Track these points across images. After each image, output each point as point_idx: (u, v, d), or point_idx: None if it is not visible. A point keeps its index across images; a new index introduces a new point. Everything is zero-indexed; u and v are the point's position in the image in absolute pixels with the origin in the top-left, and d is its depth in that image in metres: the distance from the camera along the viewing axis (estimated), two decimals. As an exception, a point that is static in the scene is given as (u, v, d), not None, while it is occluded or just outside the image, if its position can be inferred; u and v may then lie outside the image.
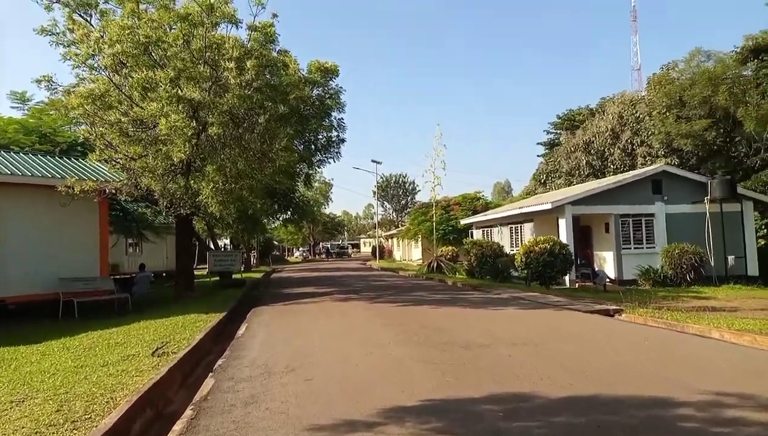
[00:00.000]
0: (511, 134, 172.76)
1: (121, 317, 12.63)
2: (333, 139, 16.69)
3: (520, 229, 25.55)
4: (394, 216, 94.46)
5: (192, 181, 12.47)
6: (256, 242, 42.93)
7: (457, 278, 23.29)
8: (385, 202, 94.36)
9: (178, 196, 13.92)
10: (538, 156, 58.03)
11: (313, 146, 16.73)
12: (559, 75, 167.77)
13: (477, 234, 31.17)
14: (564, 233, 20.89)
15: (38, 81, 12.59)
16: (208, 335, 9.38)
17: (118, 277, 22.96)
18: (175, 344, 8.36)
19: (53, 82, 12.89)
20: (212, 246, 25.11)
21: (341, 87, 15.96)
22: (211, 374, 6.27)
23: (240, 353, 7.44)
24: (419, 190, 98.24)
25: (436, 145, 27.94)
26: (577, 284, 20.71)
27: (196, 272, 32.49)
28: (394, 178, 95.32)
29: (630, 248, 21.57)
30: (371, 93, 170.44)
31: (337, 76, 16.29)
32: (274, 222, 20.54)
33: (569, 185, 41.69)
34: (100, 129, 12.17)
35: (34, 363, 7.34)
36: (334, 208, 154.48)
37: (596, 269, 19.40)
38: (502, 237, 27.33)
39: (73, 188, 12.48)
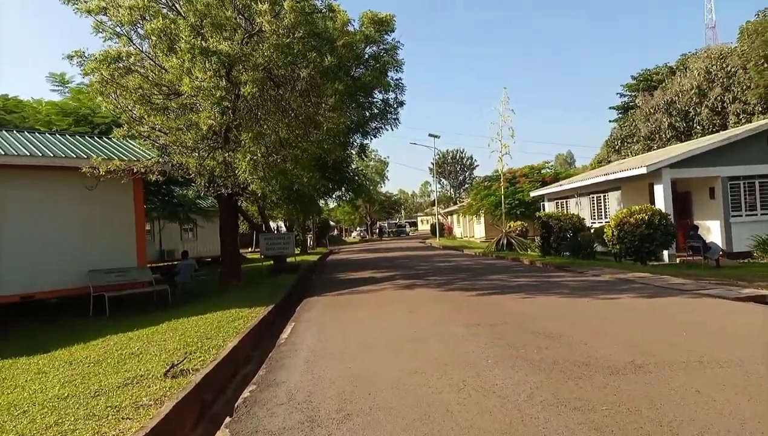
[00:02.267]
0: (571, 105, 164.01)
1: (159, 311, 11.13)
2: (390, 102, 14.47)
3: (604, 199, 22.55)
4: (452, 193, 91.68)
5: (229, 156, 10.61)
6: (312, 224, 41.56)
7: (531, 256, 20.74)
8: (443, 179, 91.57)
9: (216, 174, 12.18)
10: (610, 121, 53.66)
11: (367, 112, 14.58)
12: (624, 38, 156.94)
13: (549, 207, 28.29)
14: (661, 201, 17.91)
15: (70, 57, 10.95)
16: (245, 340, 7.50)
17: (162, 265, 21.95)
18: (200, 355, 6.52)
19: (85, 58, 11.28)
20: (265, 229, 23.58)
21: (398, 41, 13.71)
22: (228, 421, 4.26)
23: (276, 376, 5.44)
24: (477, 166, 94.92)
25: (502, 110, 25.15)
26: (678, 259, 17.77)
27: (249, 256, 31.51)
28: (451, 154, 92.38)
29: (741, 216, 18.34)
30: (422, 61, 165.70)
31: (393, 30, 14.00)
32: (326, 200, 18.55)
33: (648, 150, 37.83)
34: (122, 99, 10.44)
35: (16, 389, 5.65)
36: (389, 186, 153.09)
37: (707, 241, 16.36)
38: (580, 209, 24.39)
39: (98, 169, 10.92)
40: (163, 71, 10.11)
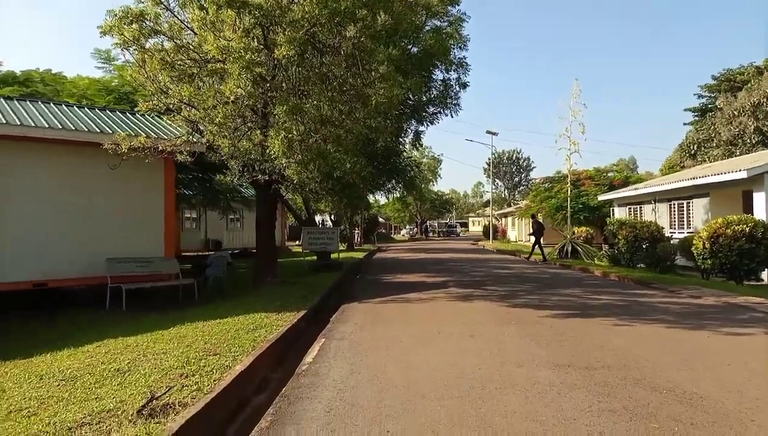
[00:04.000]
0: (635, 107, 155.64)
1: (180, 309, 9.84)
2: (451, 82, 12.57)
3: (688, 206, 19.86)
4: (506, 194, 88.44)
5: (265, 136, 9.11)
6: (360, 219, 40.11)
7: (601, 266, 18.42)
8: (497, 180, 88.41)
9: (252, 158, 10.73)
10: (685, 124, 49.55)
11: (424, 96, 12.77)
12: (696, 40, 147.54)
13: (619, 213, 25.65)
14: (763, 211, 15.27)
15: (103, 32, 9.67)
16: (261, 359, 5.93)
17: (194, 255, 20.92)
18: (197, 380, 5.00)
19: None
20: (308, 222, 22.21)
21: (464, 13, 11.79)
22: None
23: (284, 431, 3.79)
24: (534, 168, 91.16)
25: (573, 104, 22.75)
26: (781, 281, 15.13)
27: (295, 249, 30.32)
28: (506, 154, 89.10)
29: None
30: (477, 56, 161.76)
31: (458, 2, 12.17)
32: (375, 194, 16.92)
33: (730, 156, 34.37)
34: (147, 66, 9.10)
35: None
36: (441, 185, 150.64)
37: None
38: (657, 216, 21.73)
39: (121, 146, 9.67)
40: (190, 33, 8.69)
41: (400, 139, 13.62)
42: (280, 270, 17.16)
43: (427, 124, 13.33)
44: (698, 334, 6.68)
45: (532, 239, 25.07)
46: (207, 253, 21.97)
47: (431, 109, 13.01)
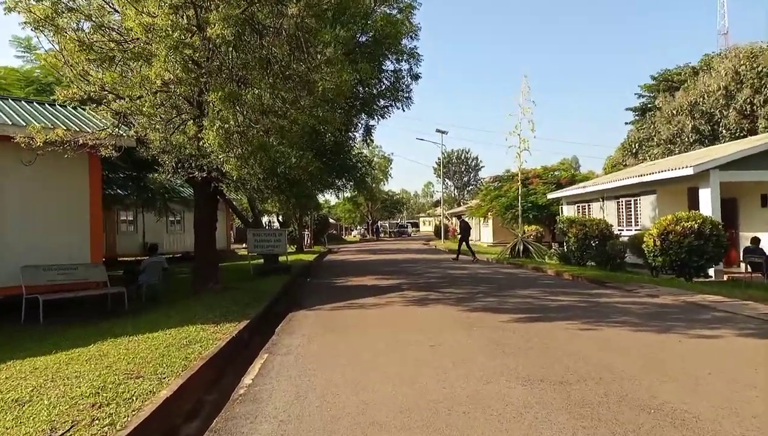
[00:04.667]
0: (574, 108, 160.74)
1: (107, 320, 8.80)
2: (403, 73, 11.95)
3: (636, 203, 20.07)
4: (456, 194, 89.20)
5: (200, 128, 8.20)
6: (310, 220, 39.08)
7: (552, 265, 18.32)
8: (447, 180, 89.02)
9: (186, 153, 9.76)
10: (626, 123, 51.12)
11: (375, 89, 12.10)
12: (632, 43, 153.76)
13: (568, 211, 25.84)
14: (708, 208, 15.48)
15: (8, 8, 8.34)
16: (190, 382, 5.09)
17: (133, 259, 19.54)
18: (111, 412, 4.17)
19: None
20: (254, 223, 21.13)
21: (415, 1, 11.17)
22: None
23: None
24: (483, 167, 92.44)
25: (522, 101, 22.69)
26: (726, 276, 15.40)
27: (242, 252, 29.02)
28: (456, 154, 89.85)
29: (799, 227, 15.95)
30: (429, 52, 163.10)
31: (408, -16, 11.59)
32: (325, 193, 16.08)
33: (669, 154, 35.54)
34: (64, 49, 7.99)
35: None
36: (391, 185, 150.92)
37: (769, 255, 13.99)
38: (606, 214, 21.93)
39: (35, 140, 8.51)
40: (111, 10, 7.69)
41: (350, 134, 12.91)
42: (224, 275, 16.09)
43: (378, 118, 12.71)
44: (668, 338, 6.31)
45: (487, 238, 25.02)
46: (143, 258, 20.54)
47: (382, 103, 12.36)
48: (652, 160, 34.53)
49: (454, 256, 24.12)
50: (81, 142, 9.01)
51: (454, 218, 59.68)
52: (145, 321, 8.36)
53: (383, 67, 11.44)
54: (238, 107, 7.37)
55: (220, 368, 6.00)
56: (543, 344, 5.95)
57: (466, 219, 28.24)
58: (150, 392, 4.73)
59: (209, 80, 7.46)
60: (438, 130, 45.04)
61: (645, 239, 15.07)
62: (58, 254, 10.13)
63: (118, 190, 16.56)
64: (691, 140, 36.89)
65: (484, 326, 7.21)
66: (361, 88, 11.89)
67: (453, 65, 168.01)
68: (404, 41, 11.68)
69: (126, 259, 23.43)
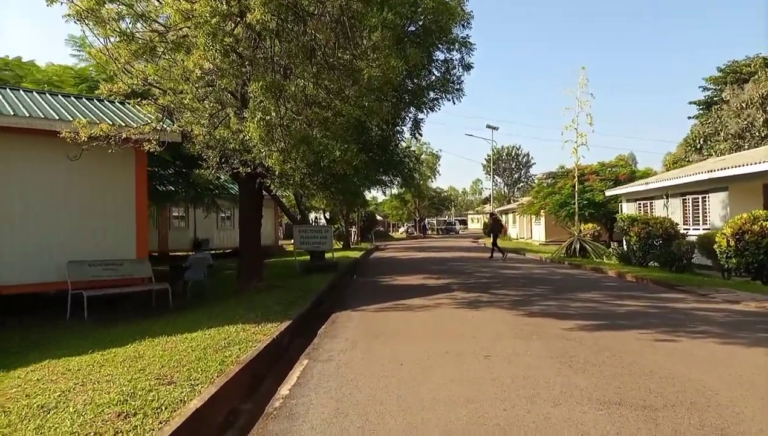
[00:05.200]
0: (629, 105, 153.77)
1: (149, 318, 8.68)
2: (454, 63, 11.27)
3: (704, 201, 18.63)
4: (506, 191, 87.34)
5: (240, 119, 7.88)
6: (357, 217, 38.87)
7: (612, 265, 17.23)
8: (496, 177, 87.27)
9: (230, 147, 9.52)
10: (689, 118, 48.32)
11: (423, 81, 11.50)
12: (691, 39, 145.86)
13: (628, 208, 24.42)
14: (789, 206, 14.07)
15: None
16: (224, 391, 4.72)
17: (184, 255, 19.69)
18: (133, 425, 3.85)
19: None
20: (301, 219, 20.97)
21: (467, -14, 10.51)
22: None
23: None
24: (534, 164, 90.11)
25: (579, 94, 21.54)
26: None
27: (289, 248, 29.04)
28: (506, 151, 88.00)
29: None
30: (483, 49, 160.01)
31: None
32: (369, 187, 15.51)
33: (738, 150, 33.28)
34: (108, 39, 7.83)
35: None
36: (439, 182, 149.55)
37: None
38: (670, 212, 20.53)
39: (79, 135, 8.42)
40: (152, -1, 7.46)
41: (398, 128, 12.39)
42: (270, 271, 15.95)
43: (427, 112, 12.10)
44: (763, 354, 5.47)
45: (539, 236, 24.06)
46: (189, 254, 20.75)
47: (432, 95, 11.74)
48: (717, 156, 32.42)
49: (489, 255, 23.20)
50: (125, 136, 8.88)
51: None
52: (186, 320, 8.14)
53: (433, 57, 10.84)
54: (280, 99, 6.97)
55: (257, 373, 5.62)
56: (616, 358, 5.24)
57: (498, 216, 27.24)
58: (180, 400, 4.38)
59: (251, 70, 7.10)
60: (488, 126, 43.96)
61: (717, 239, 13.90)
62: (104, 250, 10.12)
63: (170, 187, 16.62)
64: (762, 135, 34.52)
65: (545, 334, 6.53)
66: (409, 81, 11.35)
67: (491, 62, 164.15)
68: (455, 30, 11.06)
69: (177, 254, 23.82)
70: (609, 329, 6.74)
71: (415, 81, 11.50)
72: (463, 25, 11.07)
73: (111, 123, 9.16)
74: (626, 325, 7.03)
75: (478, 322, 7.58)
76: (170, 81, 8.30)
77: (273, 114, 6.82)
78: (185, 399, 4.42)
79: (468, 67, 11.36)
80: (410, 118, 12.31)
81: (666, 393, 4.12)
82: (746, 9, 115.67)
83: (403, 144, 14.99)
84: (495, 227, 24.36)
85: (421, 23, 10.25)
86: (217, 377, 5.06)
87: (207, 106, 9.04)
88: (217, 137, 9.28)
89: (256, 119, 6.72)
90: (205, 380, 4.94)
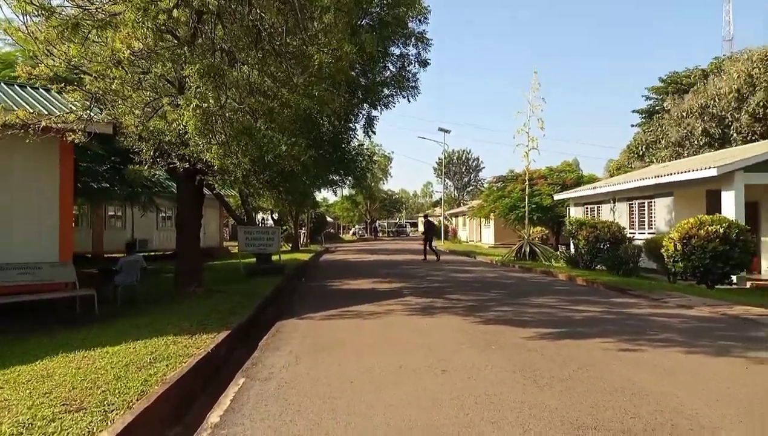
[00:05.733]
0: (572, 110, 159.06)
1: (71, 329, 7.73)
2: (410, 59, 10.81)
3: (650, 206, 19.04)
4: (456, 194, 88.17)
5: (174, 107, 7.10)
6: (307, 218, 37.99)
7: (561, 269, 17.28)
8: (446, 180, 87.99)
9: (166, 139, 8.71)
10: (632, 126, 50.14)
11: (378, 77, 10.99)
12: (635, 47, 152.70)
13: (575, 212, 24.82)
14: (731, 211, 14.48)
15: None
16: (142, 418, 4.03)
17: (119, 256, 18.42)
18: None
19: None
20: (247, 220, 20.05)
21: (422, -22, 10.08)
22: None
23: None
24: (483, 168, 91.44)
25: (531, 98, 21.71)
26: (748, 284, 14.48)
27: (233, 250, 27.90)
28: (456, 154, 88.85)
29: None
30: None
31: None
32: (320, 186, 14.74)
33: (677, 157, 34.70)
34: (28, 15, 6.90)
35: None
36: (390, 184, 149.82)
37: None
38: (617, 216, 20.91)
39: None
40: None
41: (350, 125, 11.82)
42: (213, 275, 15.04)
43: (382, 109, 11.60)
44: (730, 364, 5.24)
45: (488, 239, 24.10)
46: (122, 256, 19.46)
47: (386, 92, 11.28)
48: (658, 163, 33.61)
49: (425, 258, 23.03)
50: (44, 125, 7.91)
51: (453, 219, 58.64)
52: (111, 330, 7.29)
53: (389, 51, 10.37)
54: (220, 85, 6.29)
55: (186, 394, 4.93)
56: (583, 372, 4.87)
57: (431, 219, 27.68)
58: (88, 432, 3.69)
59: (186, 52, 6.37)
60: (441, 129, 43.98)
61: (664, 243, 14.12)
62: (21, 251, 9.06)
63: (104, 184, 15.41)
64: (701, 143, 36.03)
65: (504, 343, 6.13)
66: (362, 78, 10.83)
67: (444, 63, 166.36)
68: (411, 24, 10.64)
69: (113, 255, 22.34)
70: (570, 338, 6.42)
71: (369, 76, 11.00)
72: (420, 20, 10.68)
73: (30, 110, 8.18)
74: (586, 333, 6.74)
75: (433, 330, 7.12)
76: (98, 64, 7.44)
77: (211, 101, 6.14)
78: (94, 431, 3.73)
79: (425, 63, 10.96)
80: (363, 115, 11.81)
81: (642, 414, 3.76)
82: (689, 19, 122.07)
83: (356, 142, 14.46)
84: (429, 230, 24.55)
85: (377, 12, 9.74)
86: (137, 400, 4.36)
87: (141, 94, 8.20)
88: (151, 129, 8.46)
89: (191, 107, 6.02)
90: (122, 404, 4.24)
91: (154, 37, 6.00)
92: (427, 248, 23.16)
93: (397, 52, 10.85)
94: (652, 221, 18.92)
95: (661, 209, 18.38)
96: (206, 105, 6.15)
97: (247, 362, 5.68)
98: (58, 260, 9.57)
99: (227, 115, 6.59)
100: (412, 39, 10.60)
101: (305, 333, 7.13)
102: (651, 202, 19.00)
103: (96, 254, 22.57)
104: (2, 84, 10.24)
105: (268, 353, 6.06)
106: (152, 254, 25.29)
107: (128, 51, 6.00)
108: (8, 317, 8.21)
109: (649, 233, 18.45)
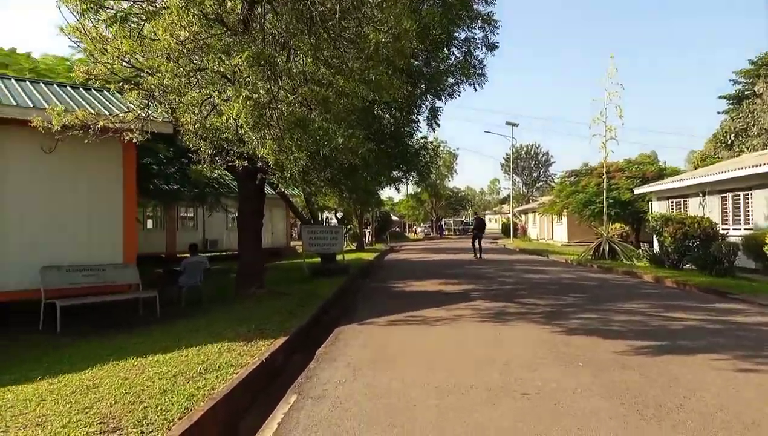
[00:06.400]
0: (648, 101, 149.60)
1: (132, 331, 7.61)
2: (477, 42, 9.95)
3: (746, 198, 17.09)
4: (525, 190, 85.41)
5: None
6: (372, 217, 37.71)
7: (645, 269, 15.81)
8: (515, 176, 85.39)
9: (223, 137, 8.41)
10: (718, 113, 46.38)
11: (441, 65, 10.22)
12: (715, 38, 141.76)
13: (659, 207, 22.89)
14: None
15: None
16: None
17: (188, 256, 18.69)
18: None
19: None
20: (312, 220, 19.87)
21: (489, -46, 9.22)
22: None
23: None
24: (554, 162, 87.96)
25: (608, 85, 20.13)
26: None
27: (299, 250, 28.00)
28: (525, 149, 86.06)
29: None
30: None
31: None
32: (382, 182, 14.18)
33: (773, 146, 31.53)
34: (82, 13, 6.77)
35: None
36: (456, 181, 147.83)
37: None
38: (707, 211, 19.00)
39: (52, 124, 7.40)
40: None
41: (413, 117, 11.16)
42: (276, 275, 14.87)
43: (446, 99, 10.83)
44: None
45: (561, 236, 22.76)
46: (185, 256, 19.79)
47: (450, 80, 10.49)
48: (750, 152, 30.68)
49: (476, 256, 22.70)
50: (102, 125, 7.81)
51: (522, 216, 56.62)
52: (168, 334, 7.06)
53: (453, 35, 9.59)
54: (270, 73, 5.82)
55: (233, 411, 4.48)
56: (696, 400, 3.98)
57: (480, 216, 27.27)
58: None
59: (236, 41, 5.95)
60: (508, 123, 42.41)
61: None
62: (86, 253, 9.08)
63: (174, 185, 15.61)
64: (799, 130, 32.73)
65: (593, 359, 5.28)
66: (425, 68, 10.13)
67: (525, 51, 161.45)
68: (477, 5, 9.83)
69: (185, 255, 22.90)
70: (672, 353, 5.45)
71: (433, 64, 10.28)
72: (486, 1, 9.84)
73: (91, 110, 8.14)
74: (690, 347, 5.74)
75: (508, 341, 6.34)
76: (151, 59, 7.21)
77: (262, 92, 5.68)
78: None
79: (492, 47, 10.08)
80: (426, 106, 11.08)
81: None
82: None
83: (419, 134, 13.73)
84: (479, 227, 24.25)
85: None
86: (179, 419, 3.94)
87: (197, 89, 7.93)
88: (208, 126, 8.17)
89: (241, 98, 5.58)
90: (162, 424, 3.84)
91: (200, 25, 5.61)
92: (478, 244, 23.18)
93: (462, 36, 10.07)
94: (749, 215, 16.97)
95: (761, 202, 16.42)
96: (257, 96, 5.70)
97: (301, 375, 5.17)
98: (122, 262, 9.55)
99: (280, 106, 6.12)
100: (479, 21, 9.77)
101: (366, 341, 6.56)
102: (748, 194, 17.03)
103: (170, 254, 23.18)
104: (65, 87, 10.38)
105: (325, 364, 5.52)
106: (222, 253, 25.77)
107: (174, 41, 5.64)
108: (74, 319, 8.21)
109: (745, 229, 16.57)
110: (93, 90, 10.50)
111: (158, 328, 7.68)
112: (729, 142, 39.48)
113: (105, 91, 10.51)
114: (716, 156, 38.82)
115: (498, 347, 6.04)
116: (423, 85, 10.73)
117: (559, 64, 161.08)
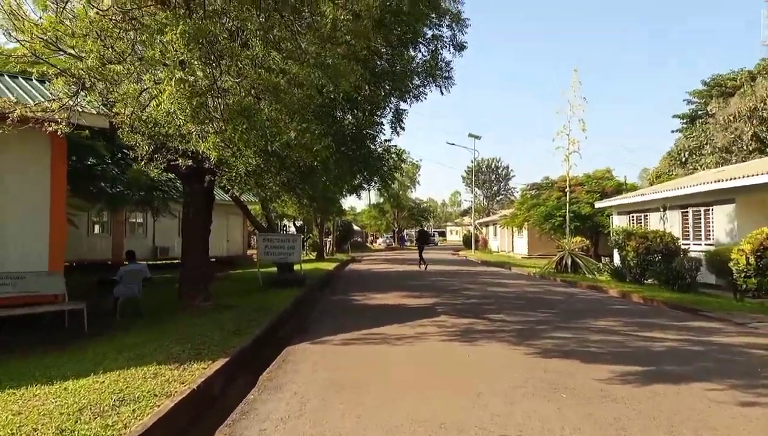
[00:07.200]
0: (605, 122, 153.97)
1: (49, 350, 6.58)
2: (444, 41, 9.32)
3: (706, 214, 17.10)
4: (485, 203, 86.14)
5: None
6: (333, 226, 36.79)
7: (608, 283, 15.56)
8: (476, 189, 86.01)
9: (162, 132, 7.48)
10: (673, 131, 47.77)
11: (407, 66, 9.59)
12: (669, 54, 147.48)
13: (619, 221, 22.90)
14: (814, 220, 12.59)
15: None
16: None
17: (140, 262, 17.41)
18: None
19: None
20: (268, 228, 18.86)
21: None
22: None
23: None
24: (513, 176, 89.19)
25: (572, 97, 19.99)
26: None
27: (255, 259, 26.84)
28: (486, 163, 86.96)
29: None
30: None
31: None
32: (342, 188, 13.31)
33: (724, 164, 32.36)
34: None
35: None
36: (418, 192, 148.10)
37: None
38: (668, 226, 18.99)
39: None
40: None
41: (376, 119, 10.45)
42: (229, 285, 13.88)
43: (411, 101, 10.19)
44: None
45: (521, 249, 22.56)
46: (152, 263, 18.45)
47: (416, 81, 9.87)
48: (703, 170, 31.44)
49: (422, 266, 23.57)
50: (18, 113, 6.77)
51: (483, 228, 56.70)
52: (89, 354, 6.07)
53: (420, 31, 8.95)
54: (210, 53, 5.01)
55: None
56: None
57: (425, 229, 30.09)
58: None
59: (171, 15, 5.11)
60: (470, 135, 42.35)
61: (733, 256, 12.35)
62: (2, 259, 7.97)
63: (119, 187, 14.38)
64: (751, 148, 33.79)
65: (576, 388, 4.63)
66: (386, 64, 9.49)
67: (482, 66, 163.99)
68: (445, 2, 9.26)
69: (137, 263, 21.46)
70: (661, 381, 4.86)
71: (398, 65, 9.64)
72: (453, -3, 9.28)
73: (10, 97, 7.11)
74: (680, 373, 5.17)
75: (480, 365, 5.64)
76: (76, 38, 6.27)
77: (200, 74, 4.85)
78: None
79: (461, 47, 9.49)
80: (391, 108, 10.42)
81: None
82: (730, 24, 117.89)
83: (383, 137, 13.04)
84: (422, 239, 26.47)
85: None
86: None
87: (129, 75, 7.00)
88: (145, 118, 7.24)
89: (174, 80, 4.74)
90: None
91: (131, -6, 4.75)
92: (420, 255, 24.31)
93: (429, 33, 9.46)
94: (710, 230, 16.98)
95: (721, 218, 16.43)
96: (193, 78, 4.87)
97: (236, 409, 4.32)
98: (47, 270, 8.45)
99: (223, 95, 5.30)
100: (447, 18, 9.19)
101: (317, 364, 5.75)
102: (708, 210, 17.06)
103: (116, 261, 21.67)
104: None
105: (267, 394, 4.69)
106: (174, 261, 24.37)
107: (95, 11, 4.76)
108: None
109: (706, 244, 16.57)
110: (20, 78, 9.37)
111: (80, 346, 6.66)
112: (683, 159, 40.58)
113: (33, 80, 9.40)
114: (671, 173, 39.80)
115: (468, 373, 5.33)
116: (387, 86, 10.07)
117: (525, 77, 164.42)
